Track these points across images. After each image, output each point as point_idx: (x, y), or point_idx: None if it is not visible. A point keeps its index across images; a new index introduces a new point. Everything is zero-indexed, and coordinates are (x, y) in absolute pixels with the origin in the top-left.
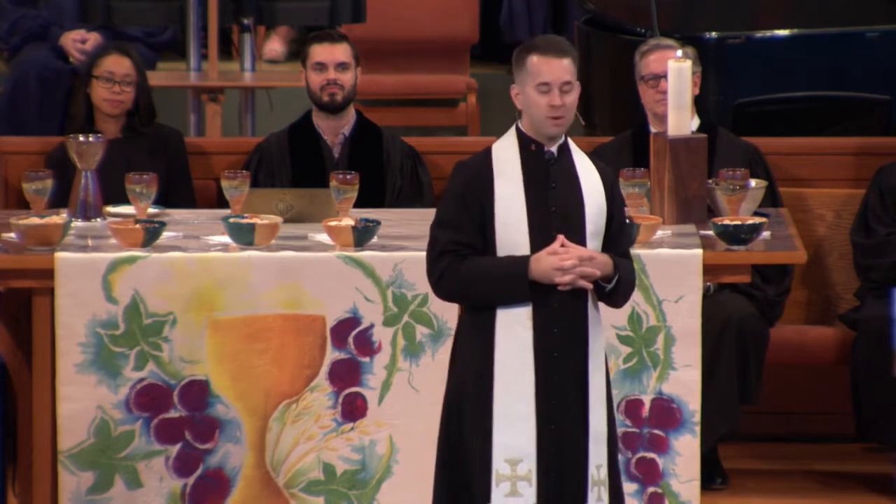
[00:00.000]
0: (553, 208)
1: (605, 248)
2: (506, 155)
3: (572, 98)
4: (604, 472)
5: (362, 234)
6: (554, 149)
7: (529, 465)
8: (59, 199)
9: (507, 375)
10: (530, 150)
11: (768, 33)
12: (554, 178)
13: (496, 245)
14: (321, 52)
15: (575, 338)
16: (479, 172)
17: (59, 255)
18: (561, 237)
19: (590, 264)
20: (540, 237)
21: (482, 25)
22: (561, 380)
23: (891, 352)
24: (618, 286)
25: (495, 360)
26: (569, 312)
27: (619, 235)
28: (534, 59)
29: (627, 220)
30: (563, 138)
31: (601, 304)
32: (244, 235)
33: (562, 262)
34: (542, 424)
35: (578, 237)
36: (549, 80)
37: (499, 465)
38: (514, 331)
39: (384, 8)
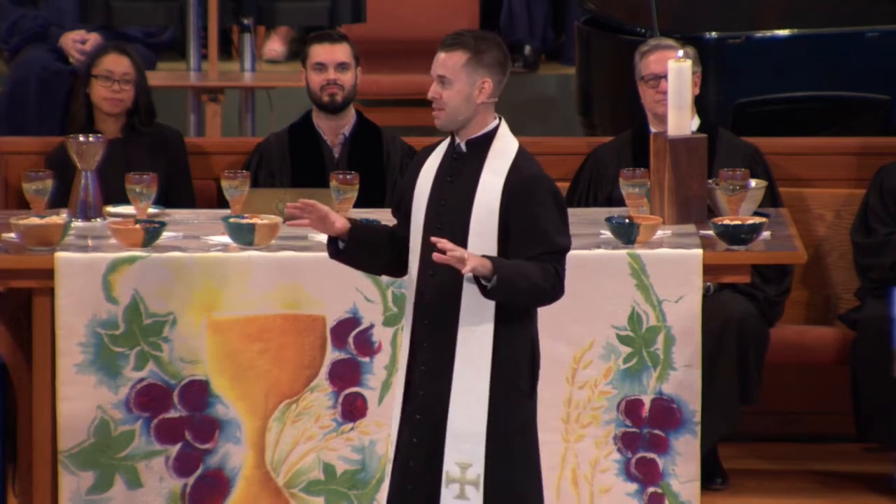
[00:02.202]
0: (443, 202)
1: (511, 252)
2: (441, 147)
3: (448, 92)
4: (474, 472)
5: None
6: (463, 144)
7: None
8: (59, 199)
9: (401, 359)
10: (451, 144)
11: (768, 33)
12: (454, 173)
13: (409, 230)
14: (321, 52)
15: (444, 332)
16: (418, 162)
17: (59, 255)
18: (444, 242)
19: (452, 253)
20: (428, 229)
21: (482, 25)
22: (428, 371)
23: (891, 352)
24: (500, 287)
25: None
26: (442, 305)
27: (525, 240)
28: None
29: (546, 228)
30: (481, 134)
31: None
32: (244, 235)
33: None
34: (405, 415)
35: (461, 234)
36: (431, 71)
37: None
38: (406, 316)
39: (384, 8)
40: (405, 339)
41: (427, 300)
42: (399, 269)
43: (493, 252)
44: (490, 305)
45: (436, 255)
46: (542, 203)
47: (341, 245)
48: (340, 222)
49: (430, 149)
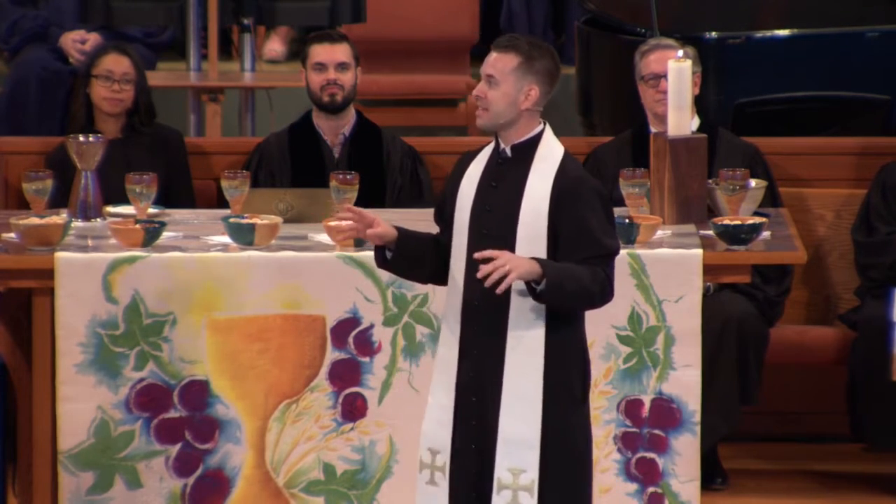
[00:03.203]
0: (488, 208)
1: (559, 256)
2: (485, 152)
3: (494, 93)
4: (527, 478)
5: None
6: (508, 148)
7: (445, 458)
8: (59, 199)
9: (441, 366)
10: (495, 149)
11: (768, 33)
12: (499, 178)
13: (451, 236)
14: (321, 52)
15: (495, 337)
16: (461, 167)
17: (59, 255)
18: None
19: (497, 263)
20: (473, 234)
21: (482, 25)
22: (478, 377)
23: (889, 355)
24: (549, 290)
25: (437, 349)
26: (490, 311)
27: (574, 244)
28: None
29: (601, 227)
30: (526, 139)
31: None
32: (244, 235)
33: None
34: (458, 420)
35: (509, 240)
36: (481, 70)
37: (423, 452)
38: (448, 322)
39: (384, 8)
40: (450, 349)
41: (475, 307)
42: (444, 277)
43: (543, 256)
44: (540, 310)
45: (480, 273)
46: (589, 206)
47: (388, 255)
48: (389, 231)
49: (471, 154)
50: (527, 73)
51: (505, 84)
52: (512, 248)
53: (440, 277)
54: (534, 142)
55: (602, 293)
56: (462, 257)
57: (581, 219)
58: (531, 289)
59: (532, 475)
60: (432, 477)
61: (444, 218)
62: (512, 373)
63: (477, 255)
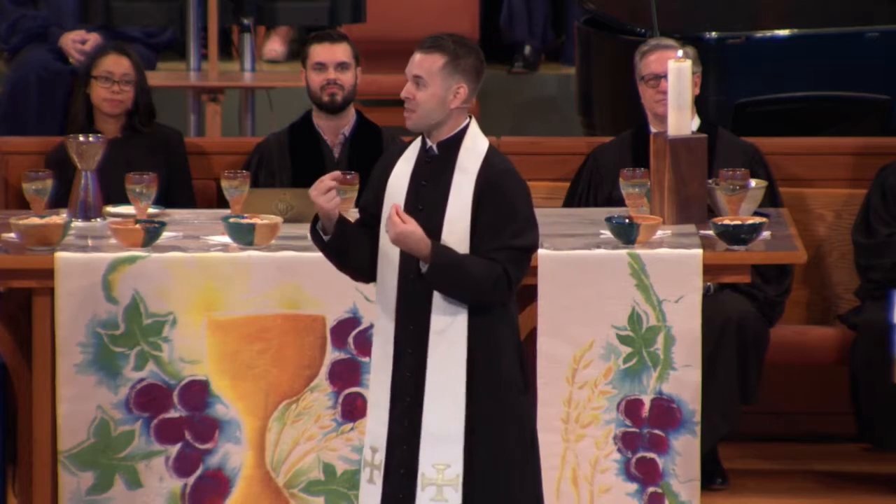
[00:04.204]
0: (420, 207)
1: (473, 245)
2: (412, 150)
3: (422, 94)
4: (451, 472)
5: None
6: (435, 145)
7: (381, 458)
8: (59, 199)
9: (377, 364)
10: (423, 147)
11: (768, 33)
12: (428, 176)
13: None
14: (321, 52)
15: (424, 334)
16: (386, 165)
17: (59, 255)
18: (396, 205)
19: (392, 227)
20: None
21: (482, 25)
22: (413, 377)
23: (891, 358)
24: (432, 273)
25: (373, 347)
26: (419, 308)
27: (485, 235)
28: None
29: (511, 227)
30: (452, 135)
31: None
32: (244, 235)
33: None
34: (393, 419)
35: (436, 236)
36: (406, 70)
37: (365, 450)
38: (381, 321)
39: (384, 8)
40: (382, 345)
41: (410, 305)
42: (368, 274)
43: (466, 251)
44: (461, 304)
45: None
46: (507, 199)
47: (326, 238)
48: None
49: (396, 151)
50: (454, 73)
51: (433, 84)
52: None
53: (366, 274)
54: (458, 138)
55: (495, 288)
56: (395, 257)
57: (496, 211)
58: (418, 270)
59: (456, 469)
60: (371, 475)
61: (371, 216)
62: (434, 366)
63: (392, 209)
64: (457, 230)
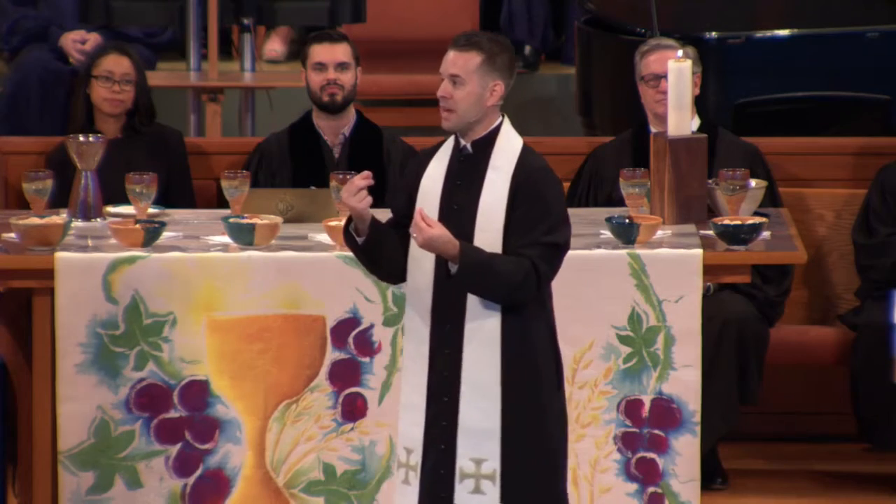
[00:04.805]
0: (456, 206)
1: (505, 241)
2: (445, 149)
3: (460, 93)
4: (489, 466)
5: None
6: (469, 144)
7: (417, 458)
8: (59, 199)
9: (410, 366)
10: (456, 146)
11: (768, 33)
12: (462, 175)
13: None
14: (321, 52)
15: (460, 334)
16: (419, 166)
17: (59, 255)
18: (420, 209)
19: (420, 233)
20: None
21: (482, 25)
22: (450, 377)
23: (891, 358)
24: (463, 273)
25: (405, 349)
26: (454, 308)
27: (517, 230)
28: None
29: (551, 224)
30: (486, 134)
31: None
32: (244, 235)
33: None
34: (430, 420)
35: (469, 235)
36: (440, 70)
37: (399, 451)
38: (415, 323)
39: (384, 8)
40: (416, 347)
41: (445, 306)
42: (403, 276)
43: (499, 250)
44: (493, 303)
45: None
46: (541, 197)
47: (360, 240)
48: (368, 213)
49: (429, 152)
50: (491, 70)
51: (470, 83)
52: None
53: (397, 275)
54: (492, 136)
55: (524, 283)
56: (427, 259)
57: (530, 208)
58: (447, 272)
59: (494, 464)
60: (406, 476)
61: (403, 217)
62: (470, 364)
63: (416, 214)
64: (491, 228)
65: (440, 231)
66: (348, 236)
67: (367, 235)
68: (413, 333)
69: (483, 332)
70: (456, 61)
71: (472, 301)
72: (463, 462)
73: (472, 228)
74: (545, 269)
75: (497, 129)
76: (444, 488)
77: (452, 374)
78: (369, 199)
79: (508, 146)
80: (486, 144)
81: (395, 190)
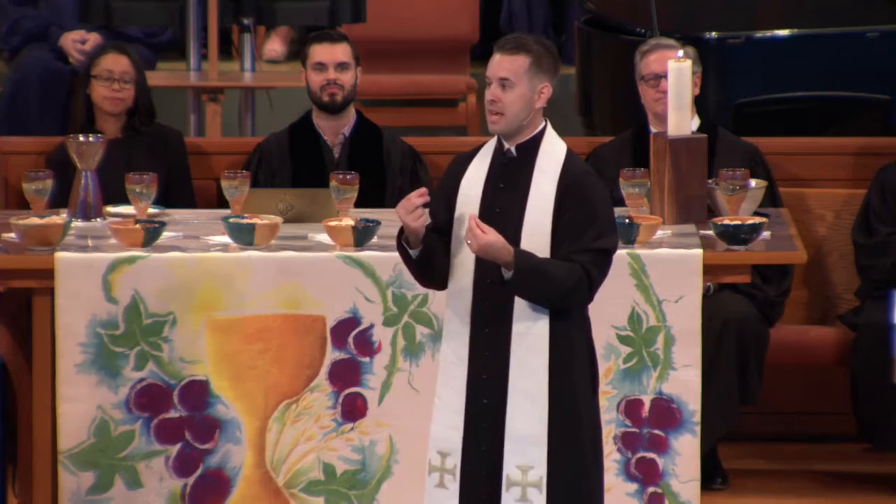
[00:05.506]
0: (498, 209)
1: (553, 247)
2: (485, 152)
3: (510, 96)
4: (535, 474)
5: (362, 234)
6: (513, 148)
7: (455, 461)
8: (59, 199)
9: (448, 368)
10: (498, 149)
11: (768, 33)
12: (506, 178)
13: (451, 240)
14: (321, 52)
15: (504, 338)
16: (457, 169)
17: (59, 255)
18: (473, 216)
19: (475, 240)
20: None
21: (482, 25)
22: (490, 380)
23: (891, 358)
24: (517, 279)
25: (442, 350)
26: (497, 312)
27: (566, 236)
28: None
29: (600, 225)
30: (530, 137)
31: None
32: (244, 235)
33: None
34: (470, 423)
35: (515, 239)
36: (487, 74)
37: (431, 454)
38: (454, 325)
39: (384, 8)
40: (455, 349)
41: (487, 309)
42: (447, 282)
43: (547, 254)
44: (542, 308)
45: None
46: (589, 202)
47: (414, 253)
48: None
49: (467, 155)
50: (539, 73)
51: (520, 85)
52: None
53: (444, 282)
54: (537, 140)
55: (577, 290)
56: (469, 263)
57: (578, 213)
58: (500, 277)
59: (540, 471)
60: (442, 480)
61: (443, 223)
62: (517, 370)
63: (470, 220)
64: (537, 232)
65: (495, 237)
66: (401, 249)
67: (420, 248)
68: (451, 335)
69: (531, 336)
70: (505, 64)
71: (520, 305)
72: (509, 469)
73: (517, 232)
74: (596, 275)
75: (542, 133)
76: (488, 490)
77: (493, 377)
78: (426, 218)
79: (553, 150)
80: (531, 148)
81: (435, 197)
